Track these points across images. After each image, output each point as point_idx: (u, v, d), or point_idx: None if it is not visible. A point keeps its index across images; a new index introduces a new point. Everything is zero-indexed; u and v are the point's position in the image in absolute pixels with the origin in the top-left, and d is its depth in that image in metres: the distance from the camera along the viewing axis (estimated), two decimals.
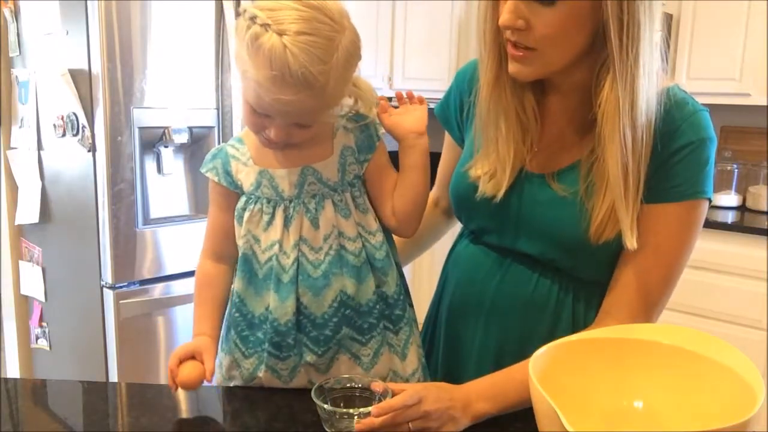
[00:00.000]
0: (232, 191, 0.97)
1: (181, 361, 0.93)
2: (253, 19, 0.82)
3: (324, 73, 0.82)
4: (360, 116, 0.99)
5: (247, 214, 0.95)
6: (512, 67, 0.89)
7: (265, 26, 0.81)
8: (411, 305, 1.04)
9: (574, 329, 0.94)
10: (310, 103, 0.84)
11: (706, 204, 0.91)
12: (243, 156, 0.97)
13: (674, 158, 0.88)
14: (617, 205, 0.87)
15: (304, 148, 0.94)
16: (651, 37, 0.83)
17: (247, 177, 0.96)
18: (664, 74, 0.89)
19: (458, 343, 1.05)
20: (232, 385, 1.01)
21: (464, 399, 0.86)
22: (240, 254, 0.97)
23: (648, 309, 0.91)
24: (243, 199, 0.96)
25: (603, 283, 0.94)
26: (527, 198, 0.95)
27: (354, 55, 0.87)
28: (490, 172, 0.96)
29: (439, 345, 1.10)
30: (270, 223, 0.94)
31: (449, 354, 1.07)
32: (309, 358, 0.95)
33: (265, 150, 0.95)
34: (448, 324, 1.07)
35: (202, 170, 0.99)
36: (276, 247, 0.94)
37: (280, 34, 0.80)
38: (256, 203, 0.95)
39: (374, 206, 1.00)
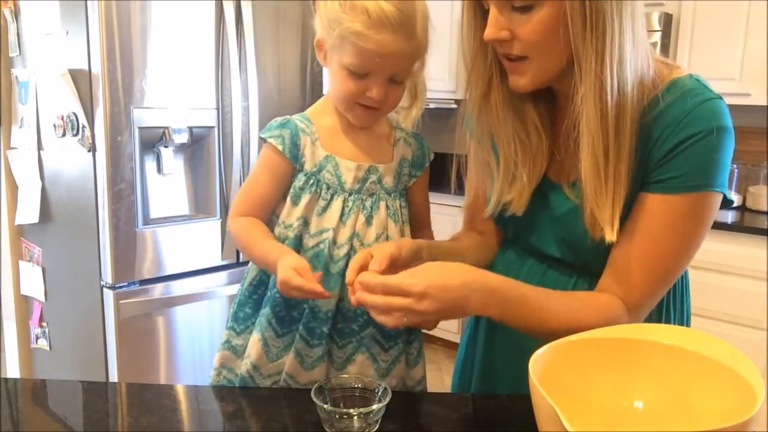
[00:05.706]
0: (290, 165, 0.97)
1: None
2: None
3: (412, 16, 0.89)
4: (416, 135, 1.05)
5: (306, 197, 0.95)
6: (511, 81, 0.89)
7: None
8: None
9: None
10: (405, 47, 0.90)
11: (715, 196, 0.85)
12: (312, 134, 0.97)
13: (679, 148, 0.83)
14: (591, 201, 0.85)
15: (370, 146, 0.99)
16: (620, 33, 0.79)
17: (311, 156, 0.96)
18: (667, 66, 0.88)
19: (495, 343, 1.05)
20: (249, 368, 0.99)
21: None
22: (292, 236, 0.95)
23: (642, 296, 0.88)
24: (302, 178, 0.96)
25: None
26: (547, 208, 0.95)
27: (427, 14, 0.94)
28: (501, 193, 0.96)
29: (478, 342, 1.09)
30: (325, 209, 0.95)
31: (487, 352, 1.07)
32: (331, 347, 0.97)
33: (333, 136, 0.98)
34: (489, 325, 1.06)
35: (264, 135, 0.97)
36: (328, 235, 0.94)
37: None
38: (315, 186, 0.95)
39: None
